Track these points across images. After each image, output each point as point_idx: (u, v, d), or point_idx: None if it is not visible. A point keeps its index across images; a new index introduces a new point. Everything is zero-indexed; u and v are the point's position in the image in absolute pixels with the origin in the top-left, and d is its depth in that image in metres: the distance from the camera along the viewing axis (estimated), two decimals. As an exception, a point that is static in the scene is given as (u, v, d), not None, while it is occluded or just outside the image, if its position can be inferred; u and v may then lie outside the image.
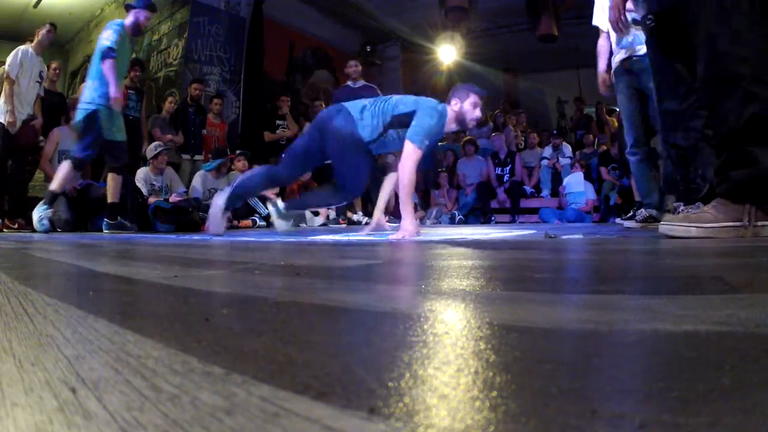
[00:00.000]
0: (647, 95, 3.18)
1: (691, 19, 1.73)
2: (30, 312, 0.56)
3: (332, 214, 6.22)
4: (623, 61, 3.34)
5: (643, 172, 3.49)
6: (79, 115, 3.73)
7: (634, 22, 3.02)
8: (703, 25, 1.66)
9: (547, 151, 7.37)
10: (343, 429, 0.24)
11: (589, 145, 7.38)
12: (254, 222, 5.51)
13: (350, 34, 9.17)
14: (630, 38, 3.21)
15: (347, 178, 2.81)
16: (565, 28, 7.69)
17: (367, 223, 6.20)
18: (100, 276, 0.99)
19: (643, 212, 3.62)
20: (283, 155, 3.22)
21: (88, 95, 3.70)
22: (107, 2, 7.75)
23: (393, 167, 3.00)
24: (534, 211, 6.83)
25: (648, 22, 2.29)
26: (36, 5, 6.97)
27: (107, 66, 3.58)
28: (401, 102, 2.77)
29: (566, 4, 7.61)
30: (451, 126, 2.77)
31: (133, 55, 6.95)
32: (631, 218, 4.35)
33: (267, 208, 5.52)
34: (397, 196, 2.92)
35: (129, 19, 3.81)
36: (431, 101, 2.76)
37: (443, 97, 2.87)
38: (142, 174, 5.02)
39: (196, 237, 3.16)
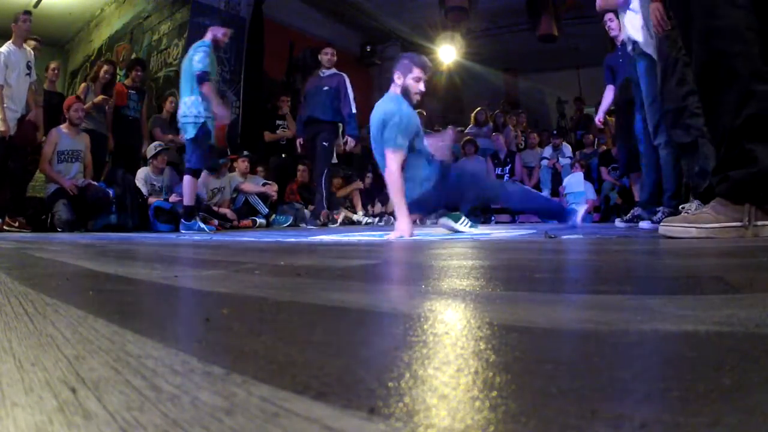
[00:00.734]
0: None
1: (684, 16, 1.71)
2: (30, 312, 0.56)
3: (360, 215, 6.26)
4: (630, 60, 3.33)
5: (668, 163, 3.45)
6: (189, 130, 4.00)
7: None
8: (696, 20, 1.65)
9: (547, 151, 7.37)
10: (343, 429, 0.24)
11: (589, 145, 7.38)
12: (254, 222, 5.51)
13: (350, 34, 9.17)
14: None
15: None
16: (565, 28, 7.69)
17: (368, 223, 6.21)
18: (100, 276, 0.99)
19: (662, 209, 3.57)
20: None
21: (194, 110, 3.97)
22: (107, 2, 7.76)
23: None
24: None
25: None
26: (36, 5, 6.97)
27: (206, 89, 3.95)
28: (374, 126, 2.76)
29: (566, 4, 7.61)
30: (409, 104, 2.75)
31: (134, 55, 6.97)
32: (632, 220, 4.34)
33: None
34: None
35: (208, 37, 4.19)
36: (385, 100, 2.77)
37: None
38: (142, 174, 5.02)
39: (196, 237, 3.16)
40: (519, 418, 0.24)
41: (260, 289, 0.76)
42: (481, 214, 6.85)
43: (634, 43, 3.15)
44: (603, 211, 6.26)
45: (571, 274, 0.98)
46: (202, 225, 4.18)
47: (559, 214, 3.29)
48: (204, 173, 5.45)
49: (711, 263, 1.01)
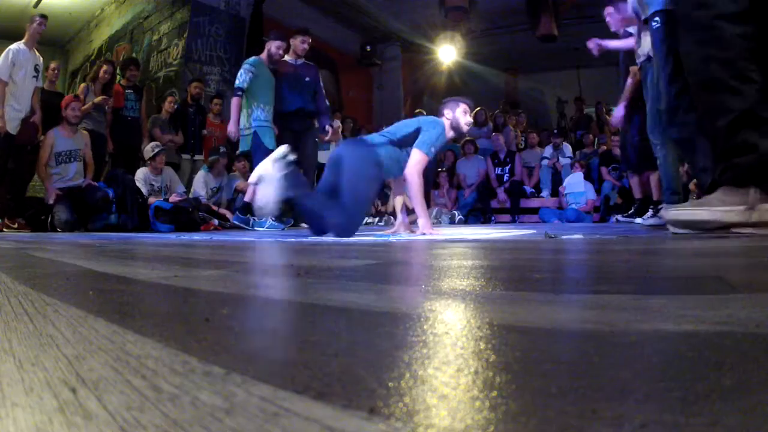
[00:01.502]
0: None
1: (678, 23, 1.81)
2: (30, 312, 0.56)
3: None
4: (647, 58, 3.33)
5: (666, 169, 3.46)
6: (242, 143, 4.43)
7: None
8: (688, 31, 1.74)
9: (548, 150, 7.37)
10: (343, 429, 0.24)
11: (589, 145, 7.38)
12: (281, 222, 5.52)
13: (350, 34, 9.18)
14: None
15: (353, 203, 2.78)
16: (565, 28, 7.69)
17: (368, 223, 6.21)
18: (100, 276, 0.99)
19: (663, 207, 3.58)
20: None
21: (245, 123, 4.35)
22: (107, 2, 7.76)
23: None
24: (534, 211, 6.83)
25: (654, 24, 2.31)
26: (36, 5, 6.97)
27: (233, 102, 4.30)
28: (403, 126, 2.98)
29: (566, 4, 7.61)
30: (449, 134, 3.04)
31: (133, 55, 6.96)
32: (631, 216, 4.34)
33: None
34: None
35: (264, 53, 4.53)
36: (431, 117, 3.04)
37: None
38: (141, 174, 5.02)
39: (196, 237, 3.16)
40: (519, 418, 0.24)
41: (260, 289, 0.76)
42: (481, 215, 6.87)
43: (650, 58, 3.18)
44: (603, 211, 6.26)
45: (571, 274, 0.99)
46: (273, 222, 4.40)
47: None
48: (203, 173, 5.46)
49: (711, 263, 1.01)
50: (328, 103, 5.05)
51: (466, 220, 6.71)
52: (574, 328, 0.45)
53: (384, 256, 1.45)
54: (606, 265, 1.10)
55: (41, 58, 4.60)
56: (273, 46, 4.47)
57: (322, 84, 4.99)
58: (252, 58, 4.47)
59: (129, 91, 5.57)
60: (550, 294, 0.67)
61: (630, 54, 3.88)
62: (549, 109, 10.55)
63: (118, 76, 5.73)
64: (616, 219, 4.69)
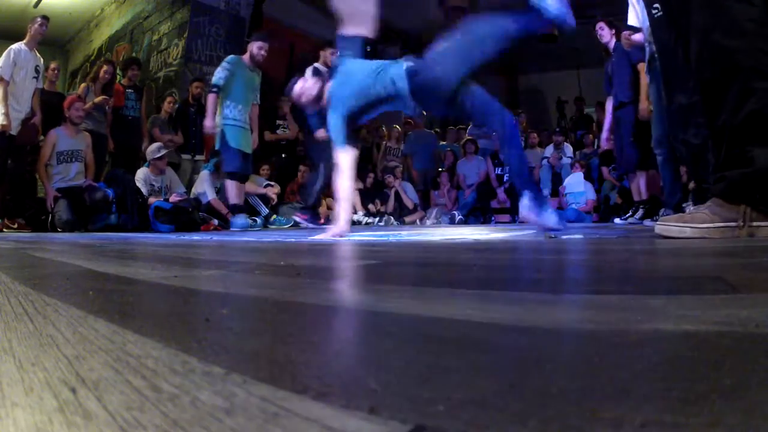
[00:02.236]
0: None
1: (681, 8, 1.70)
2: (30, 312, 0.56)
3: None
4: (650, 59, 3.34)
5: (667, 171, 3.48)
6: (216, 140, 4.54)
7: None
8: (695, 14, 1.61)
9: (549, 150, 7.37)
10: (343, 429, 0.24)
11: (589, 145, 7.38)
12: (254, 222, 5.51)
13: (350, 34, 9.16)
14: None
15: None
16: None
17: (368, 224, 6.21)
18: (100, 276, 0.99)
19: (663, 212, 3.60)
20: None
21: (218, 119, 4.42)
22: (107, 2, 7.76)
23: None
24: (534, 211, 6.81)
25: (654, 12, 2.26)
26: (36, 5, 6.98)
27: (208, 99, 4.36)
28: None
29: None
30: None
31: (133, 55, 6.96)
32: (630, 216, 4.35)
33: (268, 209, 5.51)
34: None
35: (247, 54, 4.55)
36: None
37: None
38: (141, 174, 5.02)
39: (196, 237, 3.16)
40: (519, 418, 0.24)
41: (260, 289, 0.76)
42: (481, 215, 6.87)
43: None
44: (603, 211, 6.26)
45: (571, 274, 0.99)
46: (247, 221, 4.47)
47: None
48: (205, 173, 5.45)
49: (711, 263, 1.01)
50: None
51: (466, 220, 6.71)
52: (574, 328, 0.45)
53: (384, 256, 1.45)
54: (606, 265, 1.10)
55: (42, 60, 4.60)
56: (255, 47, 4.49)
57: None
58: (231, 57, 4.50)
59: (129, 90, 5.57)
60: (550, 294, 0.67)
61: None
62: (549, 109, 10.54)
63: (118, 76, 5.73)
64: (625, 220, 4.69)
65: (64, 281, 0.90)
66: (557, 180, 7.00)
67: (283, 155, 6.57)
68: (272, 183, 5.93)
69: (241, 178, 4.55)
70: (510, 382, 0.29)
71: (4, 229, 4.36)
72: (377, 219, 6.59)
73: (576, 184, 6.50)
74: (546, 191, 7.09)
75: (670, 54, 2.21)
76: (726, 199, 1.58)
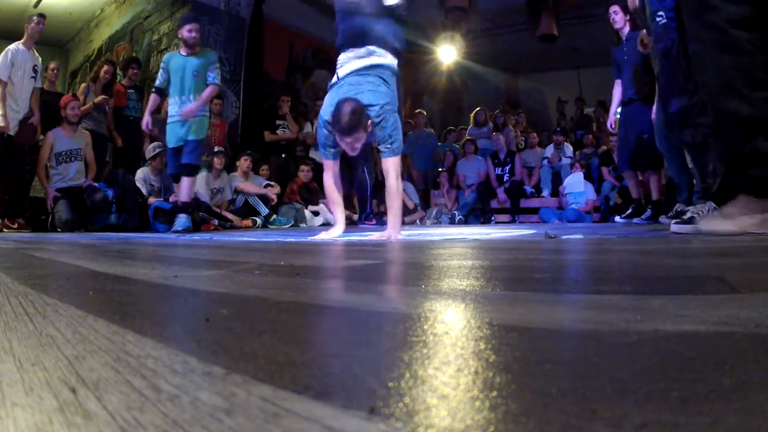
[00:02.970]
0: None
1: (690, 19, 1.78)
2: (30, 312, 0.56)
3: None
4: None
5: (675, 169, 3.47)
6: None
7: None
8: (692, 31, 1.73)
9: (549, 150, 7.37)
10: (343, 429, 0.24)
11: (589, 145, 7.38)
12: (254, 222, 5.51)
13: (350, 34, 9.15)
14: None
15: None
16: (565, 28, 7.69)
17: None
18: (100, 276, 0.99)
19: (676, 207, 3.58)
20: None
21: None
22: (107, 2, 7.76)
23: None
24: (534, 211, 6.82)
25: (659, 20, 2.28)
26: (36, 5, 6.97)
27: (150, 99, 4.37)
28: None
29: (566, 4, 7.61)
30: None
31: (134, 54, 6.96)
32: (630, 216, 4.35)
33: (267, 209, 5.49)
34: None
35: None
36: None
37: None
38: (141, 174, 5.02)
39: (196, 237, 3.16)
40: (519, 418, 0.24)
41: (260, 289, 0.76)
42: (481, 215, 6.87)
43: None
44: (603, 211, 6.26)
45: (571, 274, 0.98)
46: (184, 222, 4.26)
47: None
48: (204, 172, 5.45)
49: (711, 263, 1.01)
50: None
51: (466, 220, 6.71)
52: (574, 328, 0.45)
53: (384, 256, 1.45)
54: (606, 265, 1.10)
55: (40, 59, 4.59)
56: (184, 30, 4.29)
57: None
58: (166, 55, 4.46)
59: (131, 90, 5.57)
60: (550, 294, 0.67)
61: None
62: (549, 109, 10.54)
63: (118, 76, 5.72)
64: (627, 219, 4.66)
65: (64, 281, 0.90)
66: (557, 180, 6.99)
67: (283, 155, 6.57)
68: (272, 183, 5.93)
69: (187, 173, 4.32)
70: (510, 382, 0.29)
71: (4, 229, 4.36)
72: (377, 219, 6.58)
73: (576, 184, 6.49)
74: (546, 191, 7.10)
75: (670, 58, 2.23)
76: (753, 194, 1.67)
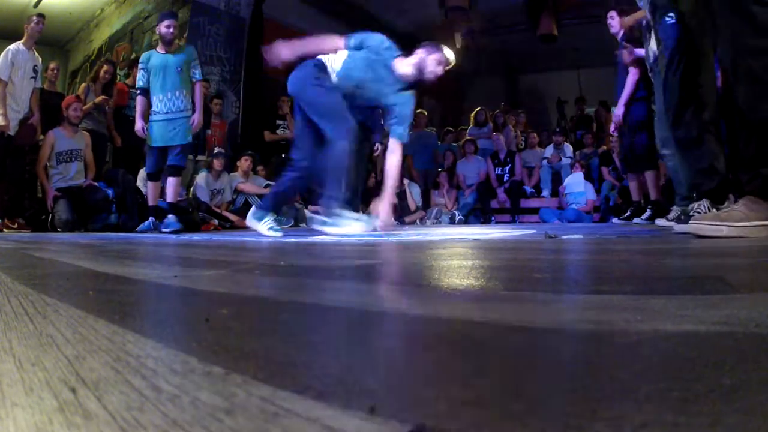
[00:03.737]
0: None
1: (711, 15, 1.69)
2: (30, 312, 0.56)
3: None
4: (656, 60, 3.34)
5: (675, 170, 3.48)
6: None
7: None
8: (723, 17, 1.62)
9: (549, 150, 7.37)
10: (343, 429, 0.24)
11: (589, 145, 7.38)
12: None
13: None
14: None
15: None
16: (565, 28, 7.69)
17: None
18: (100, 276, 0.99)
19: (676, 209, 3.59)
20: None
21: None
22: (107, 2, 7.76)
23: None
24: (534, 211, 6.82)
25: (668, 20, 2.27)
26: (36, 5, 6.97)
27: (137, 102, 4.25)
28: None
29: (566, 4, 7.61)
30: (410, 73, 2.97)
31: (133, 55, 6.96)
32: (628, 218, 4.35)
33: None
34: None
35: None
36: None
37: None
38: (143, 174, 5.01)
39: (196, 237, 3.16)
40: (519, 418, 0.24)
41: (260, 289, 0.76)
42: (481, 215, 6.87)
43: (658, 57, 3.17)
44: (603, 211, 6.26)
45: (571, 274, 0.98)
46: (153, 226, 4.22)
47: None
48: (204, 173, 5.45)
49: (711, 263, 1.01)
50: None
51: (466, 220, 6.71)
52: (574, 328, 0.45)
53: (384, 256, 1.45)
54: (606, 265, 1.10)
55: (40, 59, 4.59)
56: (162, 27, 4.20)
57: None
58: (143, 54, 4.34)
59: (134, 90, 5.57)
60: (550, 294, 0.67)
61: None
62: (549, 109, 10.55)
63: (118, 76, 5.72)
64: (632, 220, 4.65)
65: (64, 281, 0.90)
66: (557, 180, 7.00)
67: (283, 155, 6.57)
68: (272, 183, 5.93)
69: (171, 174, 4.27)
70: (510, 382, 0.29)
71: (4, 229, 4.36)
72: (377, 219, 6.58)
73: (576, 184, 6.49)
74: (546, 191, 7.10)
75: (673, 58, 2.23)
76: (762, 196, 1.57)
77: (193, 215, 4.71)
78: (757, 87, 1.55)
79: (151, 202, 4.26)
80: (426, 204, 7.30)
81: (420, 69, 2.92)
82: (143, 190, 4.88)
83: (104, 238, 3.09)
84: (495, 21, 8.60)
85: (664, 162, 3.37)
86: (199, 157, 5.94)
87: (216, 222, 5.04)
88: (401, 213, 6.76)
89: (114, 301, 0.66)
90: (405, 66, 2.91)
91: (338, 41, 2.85)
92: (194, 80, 4.31)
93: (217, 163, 5.41)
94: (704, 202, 2.15)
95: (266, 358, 0.36)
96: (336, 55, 2.86)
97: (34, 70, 4.50)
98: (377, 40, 2.93)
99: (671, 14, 2.31)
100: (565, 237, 2.11)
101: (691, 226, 1.71)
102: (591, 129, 7.89)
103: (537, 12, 7.57)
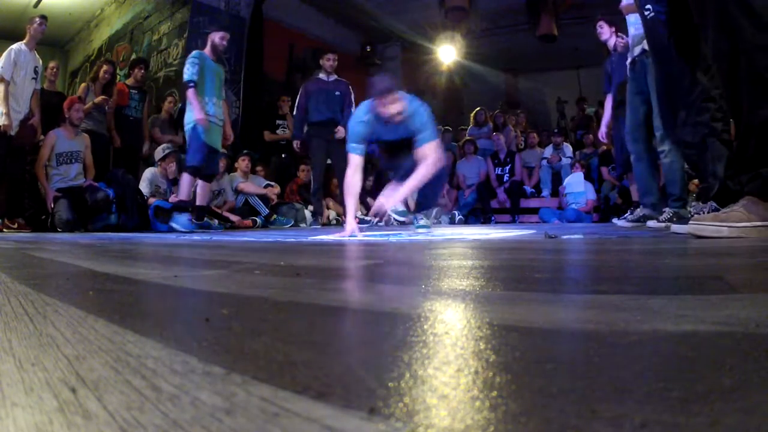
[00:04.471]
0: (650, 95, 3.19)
1: (701, 7, 1.68)
2: (30, 312, 0.56)
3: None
4: (632, 62, 3.35)
5: (642, 171, 3.50)
6: (186, 134, 4.46)
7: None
8: (714, 13, 1.60)
9: (548, 150, 7.38)
10: (343, 429, 0.24)
11: (589, 145, 7.38)
12: (255, 222, 5.51)
13: (350, 34, 9.17)
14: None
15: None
16: (565, 28, 7.69)
17: (367, 222, 6.20)
18: (100, 276, 0.99)
19: (638, 212, 3.63)
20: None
21: (188, 117, 4.35)
22: (107, 2, 7.75)
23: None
24: (534, 211, 6.82)
25: (647, 13, 2.26)
26: (36, 5, 6.97)
27: (189, 95, 4.27)
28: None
29: (566, 4, 7.61)
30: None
31: (134, 55, 6.97)
32: (639, 220, 4.36)
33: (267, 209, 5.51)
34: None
35: (207, 46, 4.43)
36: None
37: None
38: (149, 175, 5.01)
39: (196, 237, 3.16)
40: (519, 418, 0.24)
41: (260, 289, 0.76)
42: (481, 215, 6.87)
43: (645, 50, 3.18)
44: (603, 211, 6.26)
45: (571, 274, 0.98)
46: (188, 223, 4.32)
47: None
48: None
49: (711, 263, 1.01)
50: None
51: (466, 220, 6.71)
52: (574, 328, 0.45)
53: (384, 256, 1.45)
54: (606, 265, 1.10)
55: (41, 61, 4.60)
56: (216, 37, 4.41)
57: (352, 97, 5.40)
58: (195, 52, 4.43)
59: (134, 91, 5.57)
60: (550, 294, 0.67)
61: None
62: (549, 109, 10.54)
63: (118, 76, 5.72)
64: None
65: (64, 281, 0.90)
66: (557, 180, 7.00)
67: (283, 155, 6.58)
68: (272, 183, 5.93)
69: (204, 177, 4.41)
70: (510, 382, 0.29)
71: (4, 229, 4.36)
72: (377, 219, 6.58)
73: (576, 184, 6.50)
74: (546, 191, 7.10)
75: (666, 54, 2.21)
76: (762, 197, 1.56)
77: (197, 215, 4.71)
78: (759, 87, 1.54)
79: (183, 197, 4.37)
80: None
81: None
82: (148, 190, 4.89)
83: (104, 238, 3.09)
84: (495, 21, 8.60)
85: (660, 161, 3.37)
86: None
87: (216, 222, 5.04)
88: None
89: (114, 301, 0.66)
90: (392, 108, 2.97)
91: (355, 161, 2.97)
92: (223, 97, 4.55)
93: (220, 164, 5.41)
94: (710, 206, 2.13)
95: (266, 358, 0.36)
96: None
97: (35, 72, 4.50)
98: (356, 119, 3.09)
99: (655, 9, 2.28)
100: (565, 237, 2.11)
101: (691, 227, 1.70)
102: (591, 129, 7.89)
103: (537, 12, 7.56)
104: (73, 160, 4.70)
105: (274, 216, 5.64)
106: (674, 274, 0.88)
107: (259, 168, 6.14)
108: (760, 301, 0.55)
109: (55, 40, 8.05)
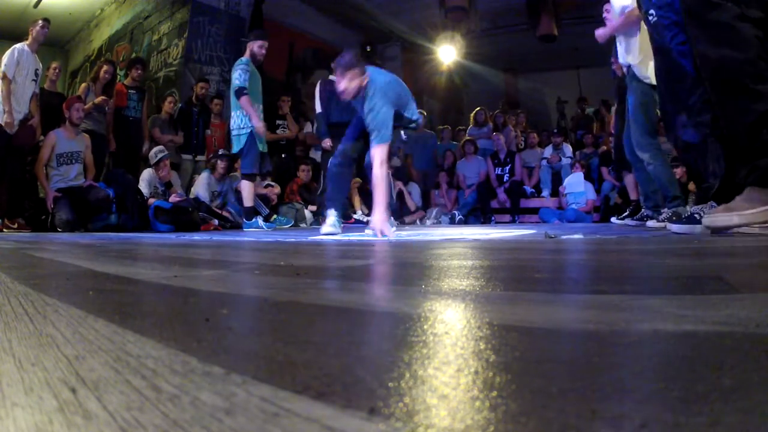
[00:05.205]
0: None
1: (692, 21, 1.79)
2: (30, 312, 0.56)
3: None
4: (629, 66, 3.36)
5: (644, 177, 3.50)
6: (235, 143, 4.50)
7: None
8: (696, 29, 1.73)
9: (548, 151, 7.38)
10: (343, 429, 0.24)
11: (589, 145, 7.38)
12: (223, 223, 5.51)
13: (350, 34, 9.17)
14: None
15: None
16: (565, 28, 7.69)
17: (367, 222, 6.20)
18: (100, 276, 0.99)
19: (643, 213, 3.63)
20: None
21: (238, 122, 4.40)
22: (107, 2, 7.75)
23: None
24: (534, 211, 6.82)
25: (650, 18, 2.28)
26: (36, 5, 6.97)
27: (243, 103, 4.32)
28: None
29: (566, 4, 7.61)
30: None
31: (133, 55, 6.97)
32: (626, 217, 4.38)
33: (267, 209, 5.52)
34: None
35: (246, 53, 4.53)
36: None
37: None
38: (147, 176, 5.01)
39: (196, 237, 3.16)
40: (519, 418, 0.24)
41: (260, 289, 0.76)
42: (481, 215, 6.87)
43: (628, 66, 3.23)
44: (603, 211, 6.26)
45: (571, 274, 0.98)
46: (262, 223, 4.46)
47: None
48: (206, 174, 5.45)
49: (711, 263, 1.01)
50: None
51: (466, 220, 6.71)
52: (574, 328, 0.45)
53: (384, 256, 1.45)
54: (606, 265, 1.10)
55: (41, 64, 4.62)
56: (256, 45, 4.49)
57: None
58: (244, 59, 4.53)
59: (132, 91, 5.56)
60: (550, 294, 0.67)
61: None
62: (549, 109, 10.54)
63: (118, 76, 5.72)
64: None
65: (64, 281, 0.90)
66: (557, 180, 7.00)
67: (283, 155, 6.57)
68: (272, 183, 5.93)
69: (247, 176, 4.58)
70: (510, 382, 0.29)
71: (4, 229, 4.36)
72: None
73: (576, 184, 6.49)
74: (546, 191, 7.09)
75: (667, 56, 2.22)
76: (760, 185, 1.68)
77: (192, 215, 4.71)
78: (742, 95, 1.67)
79: (249, 203, 4.50)
80: (426, 204, 7.30)
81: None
82: (146, 191, 4.89)
83: (104, 238, 3.09)
84: (495, 21, 8.60)
85: (644, 167, 3.38)
86: (199, 158, 5.94)
87: (216, 222, 5.04)
88: (401, 213, 6.77)
89: (114, 301, 0.66)
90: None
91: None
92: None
93: (221, 165, 5.43)
94: (710, 206, 2.15)
95: (266, 358, 0.36)
96: None
97: (36, 74, 4.52)
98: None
99: (658, 13, 2.29)
100: (565, 237, 2.11)
101: (705, 220, 1.84)
102: (591, 129, 7.89)
103: (537, 12, 7.56)
104: (74, 161, 4.70)
105: (274, 216, 5.64)
106: (674, 274, 0.88)
107: None
108: (760, 301, 0.55)
109: (55, 40, 8.05)
